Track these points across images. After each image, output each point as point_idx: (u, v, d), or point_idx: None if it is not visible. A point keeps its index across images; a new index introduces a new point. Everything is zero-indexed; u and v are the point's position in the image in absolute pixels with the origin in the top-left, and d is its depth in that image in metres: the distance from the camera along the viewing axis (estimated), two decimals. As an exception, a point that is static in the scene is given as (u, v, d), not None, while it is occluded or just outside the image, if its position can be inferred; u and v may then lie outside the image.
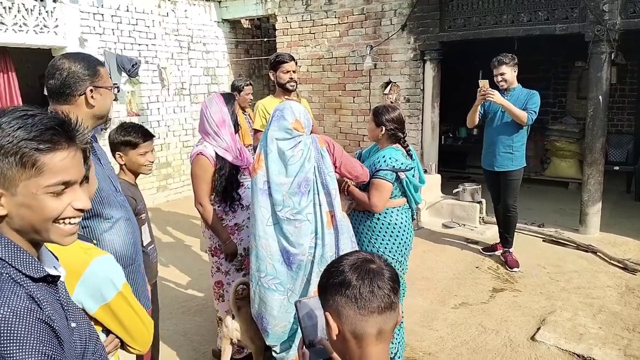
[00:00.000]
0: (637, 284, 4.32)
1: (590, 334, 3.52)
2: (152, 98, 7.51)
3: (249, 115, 5.30)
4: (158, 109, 7.60)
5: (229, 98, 3.06)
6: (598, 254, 4.97)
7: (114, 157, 2.60)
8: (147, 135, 2.65)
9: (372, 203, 2.85)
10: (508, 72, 4.61)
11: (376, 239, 2.92)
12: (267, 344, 2.73)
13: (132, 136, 2.59)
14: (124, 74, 6.83)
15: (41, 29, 6.00)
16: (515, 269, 4.71)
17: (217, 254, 3.13)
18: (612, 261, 4.78)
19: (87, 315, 1.43)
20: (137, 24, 7.21)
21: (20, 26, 5.78)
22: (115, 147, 2.60)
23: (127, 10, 7.06)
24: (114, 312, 1.46)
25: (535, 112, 4.53)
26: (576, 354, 3.29)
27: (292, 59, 3.82)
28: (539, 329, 3.63)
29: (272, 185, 2.50)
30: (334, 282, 1.16)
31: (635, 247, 5.16)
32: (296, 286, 2.60)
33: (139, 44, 7.26)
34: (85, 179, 1.50)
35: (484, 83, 4.52)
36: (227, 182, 2.96)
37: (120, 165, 2.63)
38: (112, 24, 6.88)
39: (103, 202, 1.90)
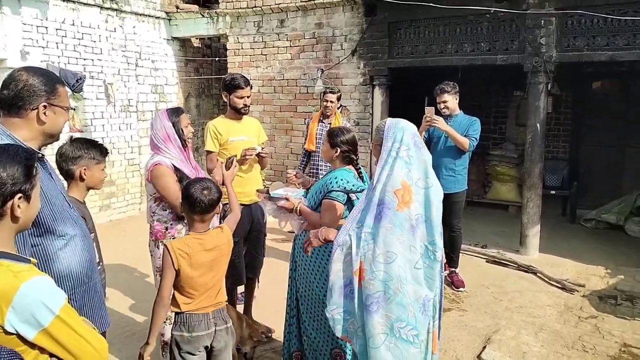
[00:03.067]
0: (575, 303, 4.52)
1: (532, 352, 3.65)
2: (97, 114, 7.28)
3: (331, 124, 5.40)
4: (103, 125, 7.37)
5: (174, 112, 3.06)
6: (538, 274, 5.18)
7: (72, 172, 2.50)
8: (106, 151, 2.68)
9: (324, 223, 2.85)
10: (450, 100, 4.83)
11: (328, 259, 2.91)
12: None
13: (97, 151, 2.59)
14: (67, 88, 6.59)
15: (-21, 39, 5.73)
16: (461, 289, 4.83)
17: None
18: (551, 281, 4.99)
19: (27, 342, 1.36)
20: (82, 38, 7.01)
21: (-44, 35, 5.50)
22: (75, 161, 2.50)
23: (73, 24, 6.86)
24: (54, 337, 1.39)
25: (476, 139, 4.76)
26: (520, 372, 3.39)
27: (248, 83, 3.77)
28: (484, 347, 3.72)
29: (432, 223, 2.27)
30: (186, 196, 2.39)
31: (572, 267, 5.42)
32: (426, 334, 2.29)
33: (84, 59, 7.06)
34: (27, 198, 1.44)
35: (429, 110, 4.70)
36: None
37: (71, 182, 2.53)
38: (56, 37, 6.66)
39: (56, 218, 1.82)
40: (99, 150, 2.63)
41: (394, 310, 2.20)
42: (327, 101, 5.50)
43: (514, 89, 8.52)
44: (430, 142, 4.98)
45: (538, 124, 5.71)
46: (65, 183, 2.40)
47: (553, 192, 7.54)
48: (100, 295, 2.05)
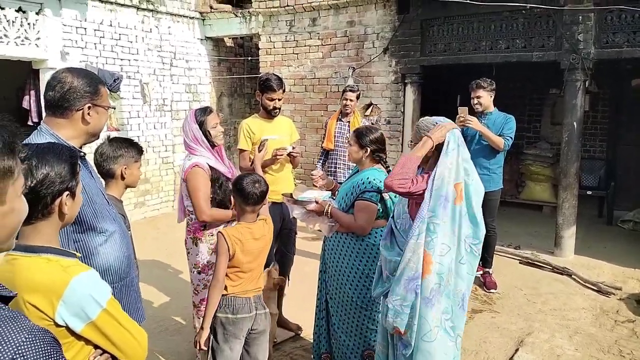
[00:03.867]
0: (611, 307, 4.41)
1: (567, 356, 3.58)
2: (133, 113, 7.46)
3: (349, 123, 5.35)
4: (138, 124, 7.54)
5: (201, 112, 3.08)
6: (573, 276, 5.07)
7: (112, 171, 2.58)
8: (142, 149, 2.76)
9: (360, 225, 2.85)
10: (484, 96, 4.76)
11: (360, 261, 2.92)
12: None
13: (135, 149, 2.67)
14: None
15: (22, 41, 5.94)
16: (492, 290, 4.79)
17: (205, 270, 3.10)
18: (586, 284, 4.88)
19: (74, 334, 1.42)
20: (119, 39, 7.19)
21: (1, 37, 5.71)
22: (116, 160, 2.58)
23: (110, 25, 7.04)
24: (100, 329, 1.45)
25: (511, 138, 4.69)
26: (553, 376, 3.34)
27: (281, 86, 3.78)
28: (517, 350, 3.68)
29: (471, 218, 2.32)
30: (239, 189, 2.58)
31: (608, 270, 5.28)
32: (462, 329, 2.33)
33: (121, 59, 7.23)
34: (73, 195, 1.49)
35: (462, 110, 4.64)
36: (224, 194, 3.01)
37: (110, 181, 2.61)
38: (94, 38, 6.84)
39: (97, 216, 1.89)
40: (136, 149, 2.71)
41: (442, 302, 2.23)
42: (346, 99, 5.36)
43: (550, 86, 8.33)
44: (464, 140, 4.93)
45: (575, 123, 5.58)
46: (102, 181, 2.48)
47: (589, 192, 7.35)
48: (137, 291, 2.11)
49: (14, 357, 0.86)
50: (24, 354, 0.87)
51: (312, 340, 3.38)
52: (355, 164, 3.13)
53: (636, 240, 6.30)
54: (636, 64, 7.15)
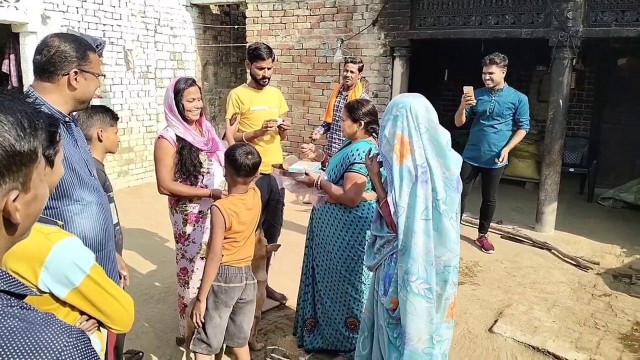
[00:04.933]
0: (589, 281, 4.53)
1: (544, 327, 3.68)
2: (116, 80, 7.31)
3: (348, 97, 5.23)
4: (122, 92, 7.41)
5: (182, 82, 2.97)
6: (552, 251, 5.19)
7: (89, 135, 2.56)
8: (117, 116, 2.78)
9: (350, 197, 2.86)
10: (497, 72, 4.83)
11: (347, 231, 2.95)
12: None
13: (110, 115, 2.67)
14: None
15: (1, 3, 5.74)
16: (490, 251, 5.13)
17: (181, 240, 3.11)
18: (565, 258, 5.00)
19: (58, 301, 1.41)
20: (102, 3, 6.99)
21: (-22, -2, 5.52)
22: (90, 123, 2.59)
23: (93, -11, 6.84)
24: (85, 295, 1.44)
25: (528, 122, 4.93)
26: (531, 346, 3.43)
27: (270, 54, 3.73)
28: (496, 321, 3.77)
29: (433, 174, 2.21)
30: (231, 160, 2.56)
31: (587, 245, 5.41)
32: (445, 292, 2.26)
33: (104, 24, 7.05)
34: (51, 163, 1.46)
35: (468, 89, 4.66)
36: (188, 162, 2.96)
37: (89, 145, 2.57)
38: (76, 2, 6.64)
39: (74, 184, 1.86)
40: (111, 115, 2.72)
41: (404, 262, 2.21)
42: (347, 71, 5.27)
43: (537, 63, 8.34)
44: (473, 116, 5.04)
45: (561, 100, 5.62)
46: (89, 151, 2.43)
47: (572, 169, 7.45)
48: (114, 264, 2.08)
49: None
50: (67, 359, 0.79)
51: (295, 309, 3.42)
52: (347, 138, 3.11)
53: (615, 217, 6.45)
54: (623, 44, 7.21)
